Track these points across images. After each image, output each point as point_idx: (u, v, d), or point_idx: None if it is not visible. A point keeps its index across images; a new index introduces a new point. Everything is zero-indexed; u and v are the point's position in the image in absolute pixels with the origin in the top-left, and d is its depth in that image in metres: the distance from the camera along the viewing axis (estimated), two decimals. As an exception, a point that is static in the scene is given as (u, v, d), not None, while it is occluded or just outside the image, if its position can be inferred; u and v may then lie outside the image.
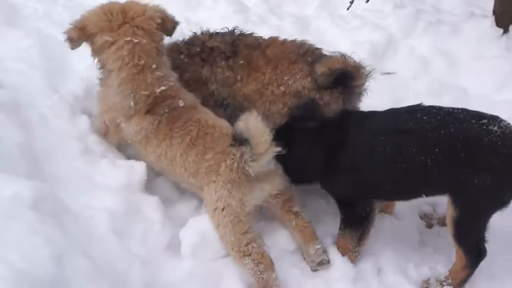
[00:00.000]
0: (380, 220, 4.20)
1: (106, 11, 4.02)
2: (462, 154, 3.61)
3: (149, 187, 4.17)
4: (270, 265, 3.72)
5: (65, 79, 4.61)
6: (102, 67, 4.09)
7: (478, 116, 3.68)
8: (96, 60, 4.12)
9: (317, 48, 4.46)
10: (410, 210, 4.46)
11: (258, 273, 3.68)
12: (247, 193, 3.79)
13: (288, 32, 5.79)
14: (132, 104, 3.96)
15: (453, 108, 3.76)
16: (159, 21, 4.13)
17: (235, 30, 4.58)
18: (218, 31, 4.59)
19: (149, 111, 4.00)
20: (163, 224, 3.93)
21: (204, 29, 4.63)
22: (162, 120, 3.99)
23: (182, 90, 4.18)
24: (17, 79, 4.23)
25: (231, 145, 3.77)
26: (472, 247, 3.81)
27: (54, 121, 4.18)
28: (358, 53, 4.32)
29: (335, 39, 5.85)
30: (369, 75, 4.31)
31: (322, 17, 6.24)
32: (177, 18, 4.45)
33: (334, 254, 3.94)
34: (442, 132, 3.62)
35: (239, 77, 4.40)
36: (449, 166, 3.67)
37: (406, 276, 3.97)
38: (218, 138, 3.92)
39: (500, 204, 3.74)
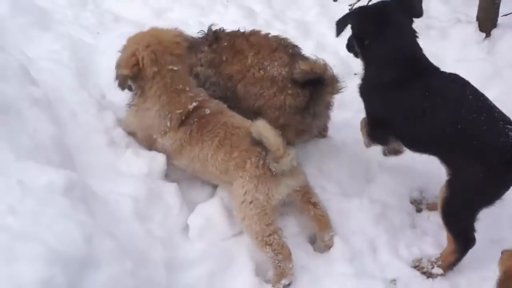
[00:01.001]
0: (374, 205, 4.22)
1: (146, 45, 3.95)
2: (475, 142, 3.53)
3: (168, 175, 4.15)
4: (288, 256, 3.73)
5: (92, 77, 4.62)
6: (141, 92, 4.04)
7: (507, 120, 3.56)
8: (134, 86, 4.08)
9: (297, 45, 4.44)
10: (401, 196, 4.44)
11: (277, 261, 3.70)
12: (273, 188, 3.76)
13: (291, 35, 5.74)
14: (168, 123, 3.97)
15: (493, 104, 3.64)
16: (186, 44, 4.08)
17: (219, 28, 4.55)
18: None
19: (181, 124, 3.99)
20: (180, 209, 3.93)
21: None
22: (193, 129, 3.97)
23: (209, 99, 4.13)
24: (49, 78, 4.23)
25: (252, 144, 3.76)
26: (460, 233, 3.77)
27: (83, 116, 4.18)
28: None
29: (334, 42, 5.80)
30: (341, 89, 4.35)
31: (322, 23, 6.21)
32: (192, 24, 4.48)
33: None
34: (474, 115, 3.54)
35: (224, 58, 4.37)
36: (461, 145, 3.60)
37: (398, 255, 3.98)
38: (244, 138, 3.87)
39: (487, 201, 3.65)
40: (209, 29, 4.52)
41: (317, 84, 4.21)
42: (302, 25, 6.24)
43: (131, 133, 4.26)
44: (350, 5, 4.75)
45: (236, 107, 4.27)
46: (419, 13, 3.96)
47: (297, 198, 3.97)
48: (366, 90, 4.08)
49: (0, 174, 3.08)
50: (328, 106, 4.48)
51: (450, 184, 3.71)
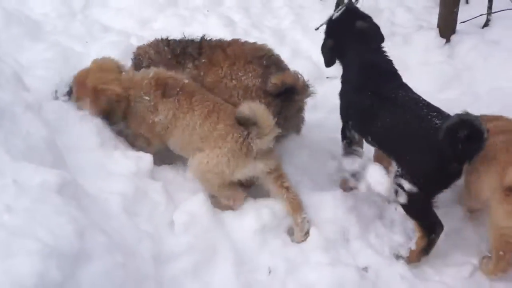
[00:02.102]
0: (346, 198, 4.22)
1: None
2: (416, 135, 3.64)
3: (154, 174, 4.14)
4: (241, 198, 4.00)
5: None
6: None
7: (437, 110, 3.67)
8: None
9: (273, 55, 4.45)
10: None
11: (228, 202, 4.00)
12: (241, 166, 3.85)
13: (268, 42, 5.76)
14: (147, 97, 4.10)
15: (425, 101, 3.77)
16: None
17: (205, 37, 4.59)
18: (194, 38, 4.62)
19: (164, 95, 4.08)
20: (166, 205, 3.91)
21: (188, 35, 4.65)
22: (180, 98, 4.03)
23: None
24: (41, 84, 4.20)
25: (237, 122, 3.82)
26: (422, 219, 3.79)
27: (74, 119, 4.15)
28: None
29: (307, 48, 5.86)
30: (312, 94, 4.42)
31: (296, 30, 6.24)
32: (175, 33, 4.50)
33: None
34: (410, 112, 3.68)
35: (202, 73, 4.40)
36: (405, 141, 3.72)
37: (369, 244, 4.00)
38: (231, 114, 3.93)
39: (437, 188, 3.72)
40: (198, 40, 4.57)
41: (289, 92, 4.24)
42: (277, 33, 6.25)
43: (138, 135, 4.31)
44: (320, 25, 4.80)
45: None
46: (382, 39, 4.15)
47: (270, 182, 4.00)
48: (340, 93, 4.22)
49: None
50: (300, 110, 4.51)
51: (399, 177, 3.75)
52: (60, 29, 5.56)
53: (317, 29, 4.72)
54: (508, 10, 5.46)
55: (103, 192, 3.68)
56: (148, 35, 5.42)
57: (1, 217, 2.83)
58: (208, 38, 4.59)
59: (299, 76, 4.28)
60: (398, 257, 3.92)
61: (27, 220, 2.87)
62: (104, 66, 4.27)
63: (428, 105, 3.74)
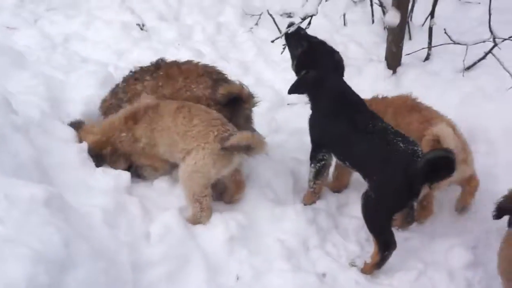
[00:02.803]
0: (306, 210, 4.29)
1: None
2: (378, 155, 3.79)
3: (131, 190, 4.14)
4: (209, 214, 4.02)
5: (64, 107, 4.57)
6: None
7: (401, 136, 3.82)
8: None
9: (221, 72, 4.57)
10: (328, 202, 4.55)
11: (199, 215, 4.00)
12: (226, 165, 3.96)
13: (233, 72, 5.83)
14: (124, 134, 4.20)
15: (393, 128, 3.91)
16: None
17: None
18: None
19: (135, 122, 4.17)
20: (142, 218, 3.88)
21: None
22: (149, 115, 4.15)
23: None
24: (27, 108, 4.18)
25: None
26: (379, 235, 3.86)
27: (58, 140, 4.14)
28: (287, 89, 4.43)
29: (269, 78, 5.94)
30: (257, 103, 4.51)
31: (259, 62, 6.33)
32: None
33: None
34: (377, 135, 3.82)
35: (160, 83, 4.47)
36: (373, 162, 3.85)
37: (326, 252, 4.06)
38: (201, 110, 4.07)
39: (397, 208, 3.86)
40: (156, 61, 4.64)
41: (237, 101, 4.34)
42: (242, 64, 6.31)
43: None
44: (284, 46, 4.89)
45: None
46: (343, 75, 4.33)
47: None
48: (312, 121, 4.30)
49: None
50: (248, 119, 4.57)
51: (367, 194, 3.87)
52: (43, 60, 5.51)
53: (272, 41, 4.79)
54: (446, 45, 5.62)
55: (86, 205, 3.66)
56: (124, 65, 5.46)
57: (-6, 227, 2.84)
58: (164, 59, 4.69)
59: (244, 86, 4.38)
60: (353, 266, 4.00)
61: (17, 229, 2.89)
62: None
63: (395, 132, 3.87)
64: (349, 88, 4.22)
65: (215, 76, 4.47)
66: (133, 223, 3.83)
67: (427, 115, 4.34)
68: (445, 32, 5.55)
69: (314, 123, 4.28)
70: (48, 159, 3.86)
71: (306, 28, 5.44)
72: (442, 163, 3.50)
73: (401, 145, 3.73)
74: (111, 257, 3.41)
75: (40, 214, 3.07)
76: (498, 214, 3.63)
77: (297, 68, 4.34)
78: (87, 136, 4.24)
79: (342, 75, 4.32)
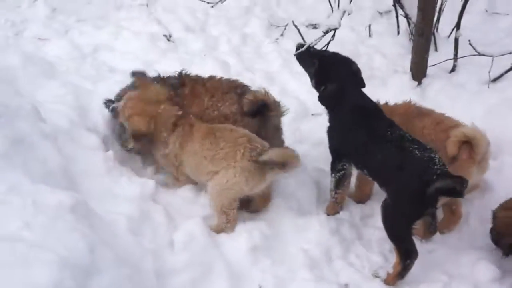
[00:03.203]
0: (329, 220, 4.28)
1: None
2: (394, 163, 3.78)
3: (156, 198, 4.16)
4: (234, 224, 4.04)
5: (91, 117, 4.63)
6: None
7: (418, 143, 3.80)
8: None
9: (245, 85, 4.54)
10: (352, 212, 4.54)
11: (224, 225, 4.01)
12: (258, 182, 3.99)
13: (258, 83, 5.81)
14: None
15: (410, 136, 3.89)
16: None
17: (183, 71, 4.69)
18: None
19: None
20: (167, 226, 3.92)
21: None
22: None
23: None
24: (56, 117, 4.25)
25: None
26: (400, 245, 3.82)
27: (85, 148, 4.21)
28: (312, 99, 4.43)
29: (294, 88, 5.91)
30: (284, 112, 4.48)
31: (284, 72, 6.30)
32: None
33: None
34: (394, 143, 3.82)
35: (185, 102, 4.46)
36: (389, 170, 3.83)
37: (349, 263, 4.03)
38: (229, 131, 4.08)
39: (415, 217, 3.81)
40: (179, 74, 4.64)
41: (264, 111, 4.31)
42: (267, 75, 6.31)
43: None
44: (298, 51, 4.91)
45: None
46: (363, 85, 4.27)
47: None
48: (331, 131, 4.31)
49: (17, 195, 3.10)
50: (277, 129, 4.55)
51: (385, 202, 3.85)
52: (72, 70, 5.60)
53: (295, 55, 4.80)
54: (472, 57, 5.56)
55: (111, 213, 3.70)
56: (152, 76, 5.52)
57: (21, 232, 2.89)
58: (187, 73, 4.68)
59: (269, 93, 4.36)
60: (376, 277, 3.96)
61: (43, 235, 2.93)
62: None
63: (412, 140, 3.85)
64: (366, 97, 4.21)
65: (239, 91, 4.45)
66: (157, 231, 3.87)
67: (438, 118, 4.35)
68: (470, 44, 5.48)
69: (333, 133, 4.29)
70: (75, 167, 3.93)
71: (330, 40, 5.47)
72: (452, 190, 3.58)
73: (417, 152, 3.72)
74: (135, 264, 3.43)
75: (66, 220, 3.11)
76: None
77: (316, 85, 4.36)
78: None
79: (361, 83, 4.29)
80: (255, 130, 4.29)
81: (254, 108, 4.28)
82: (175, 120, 4.19)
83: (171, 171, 4.37)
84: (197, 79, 4.61)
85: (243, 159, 3.90)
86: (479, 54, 5.38)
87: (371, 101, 4.21)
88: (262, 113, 4.33)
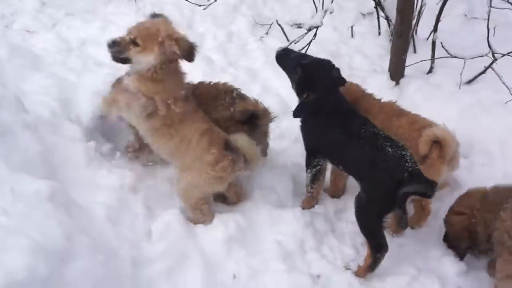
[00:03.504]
0: (304, 214, 4.33)
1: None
2: (368, 159, 3.83)
3: (134, 188, 4.18)
4: (211, 218, 4.10)
5: (75, 108, 4.58)
6: None
7: (391, 141, 3.87)
8: None
9: (235, 88, 4.50)
10: (326, 206, 4.59)
11: (201, 219, 4.08)
12: (220, 185, 4.06)
13: (242, 79, 5.95)
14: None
15: (383, 133, 3.95)
16: None
17: None
18: None
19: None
20: (144, 216, 3.97)
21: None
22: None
23: None
24: (39, 108, 4.24)
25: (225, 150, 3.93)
26: (370, 238, 3.89)
27: (66, 138, 4.21)
28: (293, 97, 4.46)
29: (276, 86, 5.89)
30: (274, 118, 4.53)
31: (267, 70, 6.28)
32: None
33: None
34: (367, 140, 3.87)
35: None
36: (363, 166, 3.90)
37: (322, 255, 4.09)
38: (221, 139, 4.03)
39: (386, 211, 3.88)
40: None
41: (254, 118, 4.35)
42: (250, 71, 6.31)
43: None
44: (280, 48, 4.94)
45: None
46: (344, 82, 4.25)
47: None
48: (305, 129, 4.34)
49: None
50: (265, 134, 4.59)
51: (359, 196, 3.92)
52: (58, 62, 5.56)
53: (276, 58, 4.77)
54: (449, 60, 5.58)
55: (90, 202, 3.73)
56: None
57: (-1, 218, 2.91)
58: None
59: (259, 103, 4.39)
60: (347, 269, 4.03)
61: (20, 222, 2.96)
62: None
63: (385, 137, 3.91)
64: (343, 98, 4.22)
65: (230, 96, 4.42)
66: (135, 221, 3.91)
67: (413, 118, 4.41)
68: (442, 46, 5.56)
69: (308, 131, 4.32)
70: (55, 157, 3.93)
71: (312, 39, 5.51)
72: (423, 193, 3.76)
73: (389, 149, 3.78)
74: (112, 252, 3.48)
75: (43, 208, 3.15)
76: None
77: (298, 92, 4.34)
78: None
79: (340, 83, 4.26)
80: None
81: (244, 117, 4.33)
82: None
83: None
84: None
85: (220, 170, 3.95)
86: (452, 56, 5.44)
87: (346, 101, 4.23)
88: (251, 121, 4.37)
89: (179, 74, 4.03)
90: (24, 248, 2.79)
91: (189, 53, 3.84)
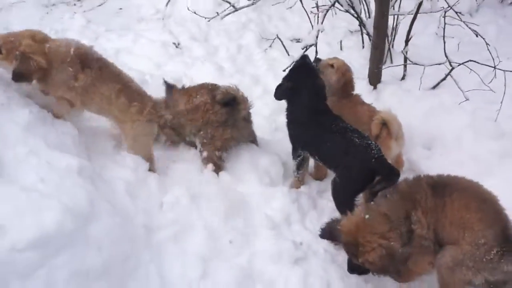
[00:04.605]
0: (291, 192, 4.36)
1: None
2: (340, 149, 3.93)
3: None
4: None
5: None
6: None
7: (357, 133, 3.98)
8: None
9: (215, 84, 4.66)
10: (310, 186, 4.64)
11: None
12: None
13: (246, 83, 6.05)
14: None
15: (351, 127, 4.05)
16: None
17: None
18: None
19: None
20: (158, 191, 4.03)
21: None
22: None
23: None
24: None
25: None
26: (343, 213, 3.84)
27: (97, 126, 4.39)
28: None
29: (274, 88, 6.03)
30: (252, 105, 4.64)
31: (268, 76, 6.40)
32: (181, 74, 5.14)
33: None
34: (347, 141, 3.94)
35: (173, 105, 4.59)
36: (336, 155, 3.98)
37: (304, 227, 4.17)
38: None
39: (357, 192, 3.93)
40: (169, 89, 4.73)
41: (233, 104, 4.46)
42: (254, 77, 6.40)
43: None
44: (284, 70, 5.10)
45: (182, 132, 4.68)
46: (325, 98, 4.35)
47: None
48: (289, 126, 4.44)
49: (35, 156, 3.28)
50: (247, 120, 4.67)
51: (335, 180, 4.03)
52: None
53: (284, 70, 4.89)
54: (420, 68, 5.60)
55: (112, 178, 3.82)
56: (158, 74, 5.65)
57: (37, 185, 3.08)
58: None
59: (239, 90, 4.52)
60: None
61: (54, 188, 3.12)
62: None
63: (353, 130, 4.01)
64: (321, 101, 4.29)
65: (210, 86, 4.60)
66: (150, 194, 3.97)
67: (371, 107, 4.66)
68: (405, 56, 5.73)
69: (290, 128, 4.43)
70: (86, 141, 4.07)
71: (316, 55, 5.62)
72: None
73: (357, 140, 3.88)
74: (129, 218, 3.59)
75: (73, 179, 3.29)
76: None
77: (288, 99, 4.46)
78: None
79: (323, 97, 4.34)
80: (224, 117, 4.47)
81: (225, 98, 4.43)
82: None
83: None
84: (181, 89, 4.72)
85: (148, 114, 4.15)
86: (413, 63, 5.57)
87: (324, 103, 4.31)
88: (231, 105, 4.46)
89: None
90: (56, 209, 2.95)
91: None
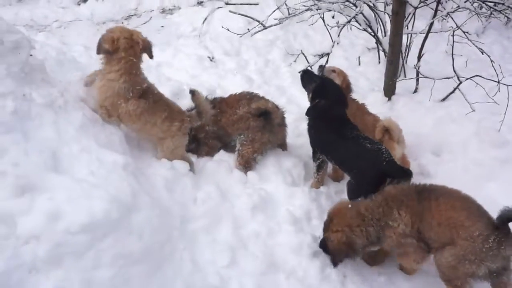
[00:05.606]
0: (310, 191, 4.34)
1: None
2: (355, 154, 3.91)
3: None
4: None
5: None
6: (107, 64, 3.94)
7: (369, 139, 3.97)
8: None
9: (251, 92, 4.73)
10: (329, 187, 4.61)
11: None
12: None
13: (272, 93, 6.06)
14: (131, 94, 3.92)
15: (363, 135, 4.06)
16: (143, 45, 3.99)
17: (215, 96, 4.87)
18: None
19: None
20: (192, 187, 4.03)
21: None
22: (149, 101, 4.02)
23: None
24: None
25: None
26: None
27: None
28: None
29: (297, 98, 5.98)
30: (284, 111, 4.68)
31: (292, 87, 6.41)
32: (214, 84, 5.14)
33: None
34: (360, 148, 3.92)
35: (218, 118, 4.64)
36: (351, 159, 3.97)
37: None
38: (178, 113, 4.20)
39: (369, 186, 3.78)
40: (213, 100, 4.77)
41: (266, 113, 4.52)
42: (280, 88, 6.43)
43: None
44: (299, 72, 5.17)
45: (227, 140, 4.72)
46: (347, 105, 4.35)
47: None
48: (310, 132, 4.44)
49: (87, 153, 3.35)
50: (280, 125, 4.70)
51: (350, 182, 4.02)
52: None
53: (299, 72, 4.86)
54: (431, 82, 5.56)
55: (153, 174, 3.86)
56: (194, 84, 5.74)
57: (88, 177, 3.16)
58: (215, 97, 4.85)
59: (269, 101, 4.58)
60: None
61: (102, 180, 3.19)
62: None
63: (365, 137, 4.00)
64: (342, 112, 4.27)
65: (248, 96, 4.66)
66: (185, 190, 3.99)
67: (376, 116, 4.75)
68: (418, 70, 5.69)
69: (311, 134, 4.42)
70: (129, 140, 4.13)
71: (325, 64, 5.61)
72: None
73: (369, 145, 3.87)
74: (166, 210, 3.61)
75: (118, 173, 3.35)
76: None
77: (312, 98, 4.43)
78: None
79: (342, 103, 4.34)
80: (262, 123, 4.52)
81: (258, 112, 4.51)
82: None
83: None
84: (221, 100, 4.77)
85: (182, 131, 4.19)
86: (424, 77, 5.54)
87: (344, 113, 4.29)
88: (265, 115, 4.53)
89: None
90: (103, 198, 3.01)
91: None
